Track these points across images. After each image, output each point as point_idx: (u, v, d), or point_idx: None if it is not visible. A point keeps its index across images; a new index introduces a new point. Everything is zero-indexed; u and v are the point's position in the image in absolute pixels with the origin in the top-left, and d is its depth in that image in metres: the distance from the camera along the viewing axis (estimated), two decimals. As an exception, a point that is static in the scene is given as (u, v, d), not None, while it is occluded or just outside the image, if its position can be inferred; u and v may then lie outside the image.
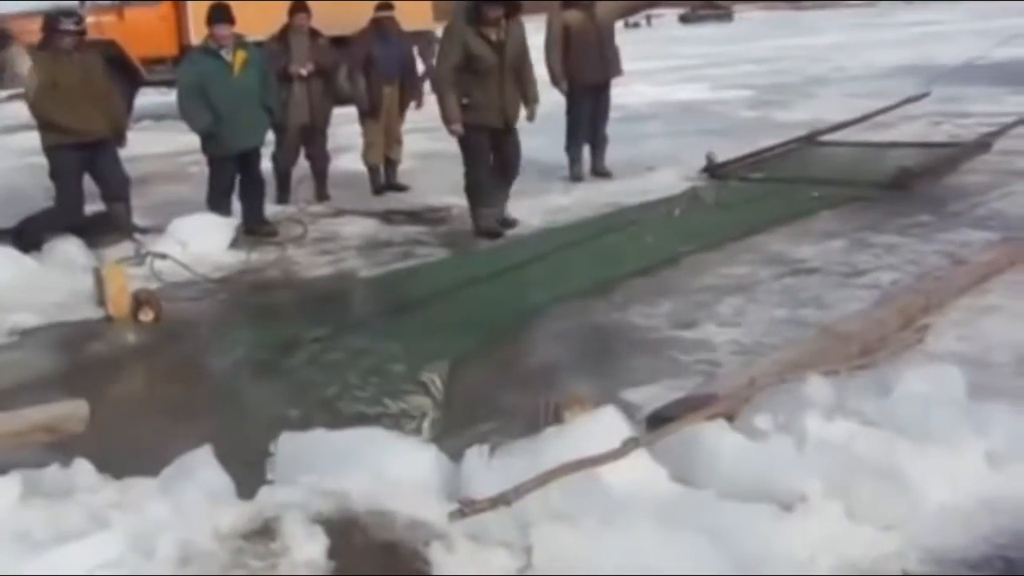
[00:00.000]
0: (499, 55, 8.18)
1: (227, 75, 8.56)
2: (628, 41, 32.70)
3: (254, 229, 8.82)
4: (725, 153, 10.48)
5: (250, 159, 8.91)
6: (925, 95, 13.14)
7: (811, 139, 11.56)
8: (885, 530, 3.39)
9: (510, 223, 8.72)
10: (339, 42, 11.16)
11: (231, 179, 8.93)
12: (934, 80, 15.17)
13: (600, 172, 10.74)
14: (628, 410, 4.18)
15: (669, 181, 10.07)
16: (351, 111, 10.77)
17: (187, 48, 17.29)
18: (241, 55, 8.62)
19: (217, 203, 8.87)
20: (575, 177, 10.59)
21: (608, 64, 10.66)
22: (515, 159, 8.63)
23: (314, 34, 9.99)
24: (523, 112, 8.53)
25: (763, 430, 3.80)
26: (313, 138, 10.08)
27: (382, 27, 10.26)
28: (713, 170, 10.19)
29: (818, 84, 17.81)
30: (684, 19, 45.66)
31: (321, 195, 10.21)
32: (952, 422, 3.78)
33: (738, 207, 8.93)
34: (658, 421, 4.06)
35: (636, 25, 45.17)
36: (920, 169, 9.42)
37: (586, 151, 10.82)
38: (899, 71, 18.08)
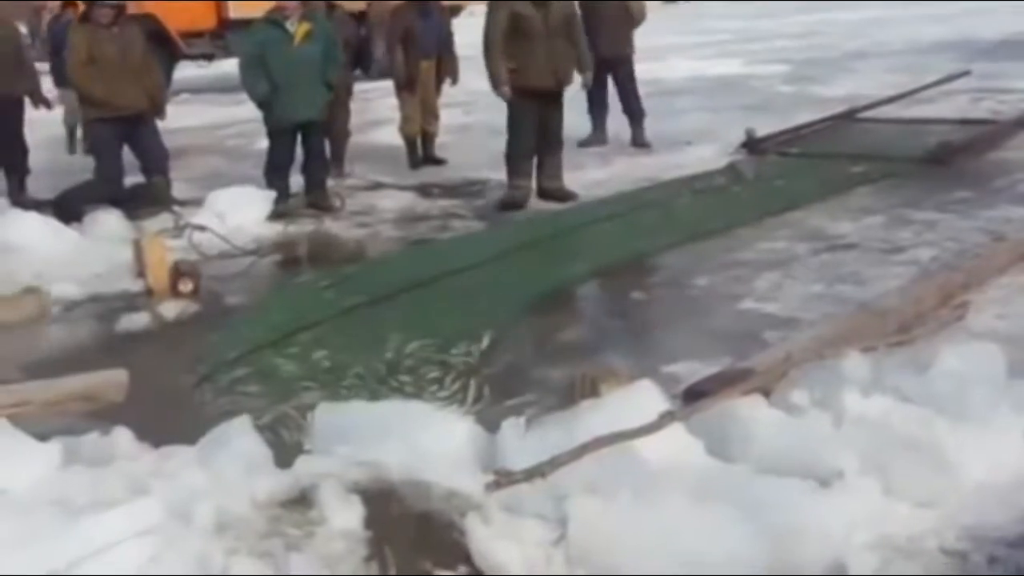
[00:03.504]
0: (544, 15, 8.28)
1: (287, 45, 8.53)
2: (664, 16, 32.54)
3: (318, 203, 8.83)
4: (762, 128, 10.40)
5: (309, 132, 8.87)
6: (965, 74, 12.98)
7: (850, 115, 11.46)
8: (922, 507, 3.37)
9: (570, 195, 8.73)
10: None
11: (288, 152, 8.88)
12: (975, 56, 15.00)
13: (639, 143, 10.83)
14: (664, 384, 4.16)
15: (706, 156, 10.02)
16: (387, 85, 10.77)
17: (225, 22, 17.41)
18: (305, 27, 8.58)
19: (272, 176, 8.86)
20: (586, 142, 10.85)
21: (617, 41, 10.74)
22: (558, 129, 8.67)
23: (331, 8, 9.95)
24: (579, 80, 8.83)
25: (800, 406, 3.79)
26: (336, 112, 9.97)
27: (423, 2, 10.23)
28: (752, 145, 10.13)
29: (856, 59, 17.61)
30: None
31: (337, 172, 9.99)
32: (990, 400, 3.75)
33: (777, 182, 8.89)
34: (694, 395, 4.05)
35: (674, -1, 44.76)
36: (961, 144, 9.32)
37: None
38: (938, 46, 17.84)
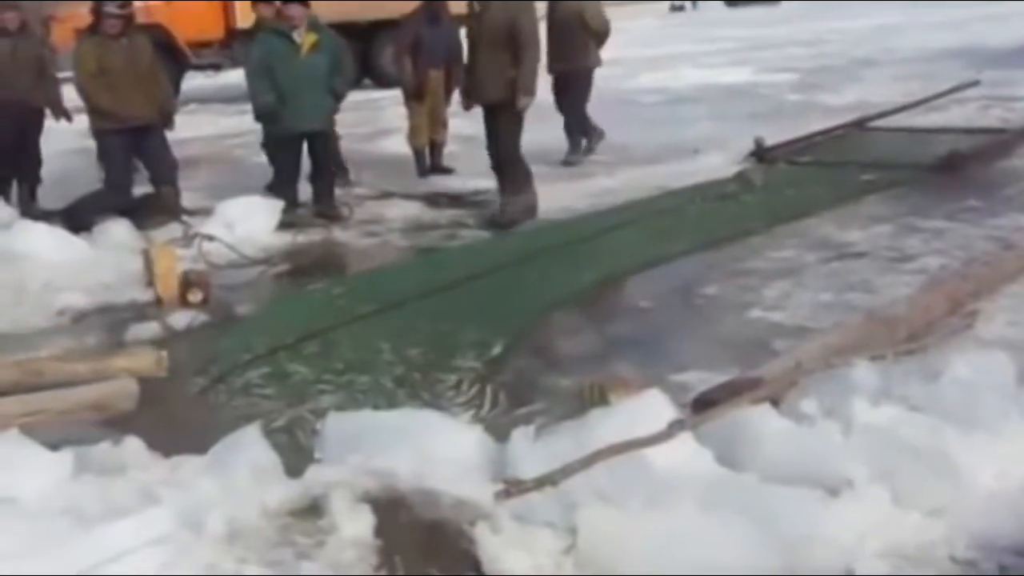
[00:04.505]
0: (477, 26, 8.26)
1: (293, 55, 8.56)
2: (672, 24, 32.41)
3: (326, 213, 8.85)
4: (772, 136, 10.39)
5: (315, 143, 8.87)
6: (975, 83, 12.95)
7: (860, 124, 11.46)
8: (932, 515, 3.37)
9: (499, 222, 8.41)
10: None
11: (294, 163, 8.91)
12: (984, 64, 14.98)
13: (567, 162, 10.63)
14: (673, 393, 4.17)
15: (715, 164, 10.00)
16: (396, 93, 10.78)
17: (233, 32, 17.46)
18: (312, 37, 8.61)
19: (279, 186, 8.89)
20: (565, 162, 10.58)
21: (569, 54, 10.58)
22: (500, 145, 8.48)
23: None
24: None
25: (809, 414, 3.79)
26: None
27: (432, 10, 10.23)
28: (761, 154, 10.12)
29: (865, 67, 17.60)
30: (730, 1, 45.00)
31: (344, 181, 9.92)
32: (1000, 408, 3.75)
33: (786, 190, 8.88)
34: (703, 404, 4.05)
35: (681, 8, 44.79)
36: (970, 152, 9.31)
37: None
38: (948, 54, 17.82)
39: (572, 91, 10.74)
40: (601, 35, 10.78)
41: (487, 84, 8.29)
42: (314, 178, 9.01)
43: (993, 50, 17.41)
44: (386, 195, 9.61)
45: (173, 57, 16.39)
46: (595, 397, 3.94)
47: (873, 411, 3.71)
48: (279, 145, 8.93)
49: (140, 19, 9.92)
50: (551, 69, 10.49)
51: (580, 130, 10.83)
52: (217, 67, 18.59)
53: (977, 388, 3.84)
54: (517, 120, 8.32)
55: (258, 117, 9.15)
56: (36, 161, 9.40)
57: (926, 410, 3.73)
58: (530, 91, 8.21)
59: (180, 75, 17.42)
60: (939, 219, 7.52)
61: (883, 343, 4.55)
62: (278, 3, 9.48)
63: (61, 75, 9.65)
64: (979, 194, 8.19)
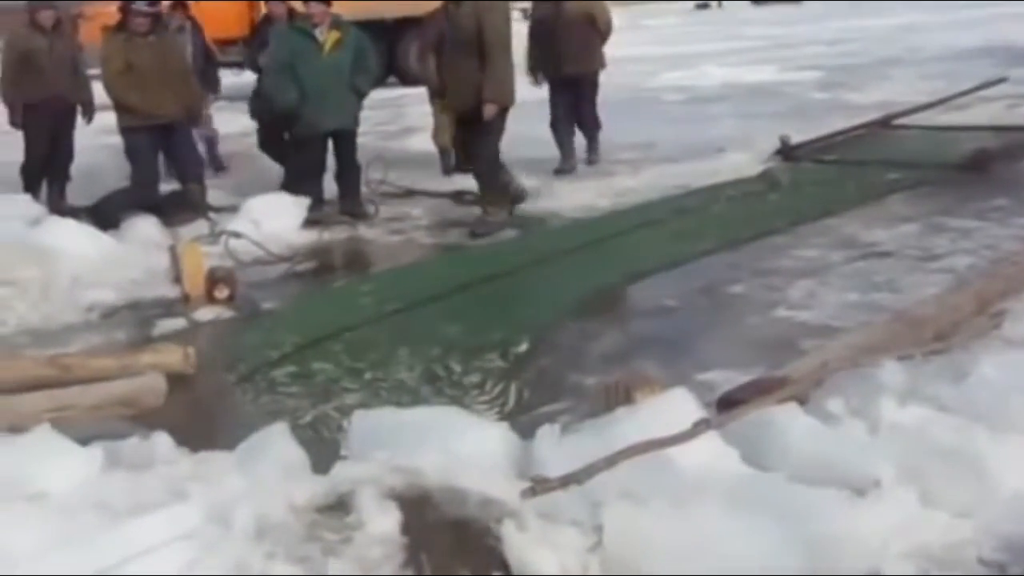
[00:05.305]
0: (453, 30, 8.01)
1: (316, 54, 8.58)
2: (697, 22, 32.41)
3: (352, 211, 8.87)
4: (796, 135, 10.35)
5: (341, 141, 8.90)
6: (1002, 80, 12.85)
7: (885, 122, 11.40)
8: (960, 517, 3.34)
9: (477, 231, 8.21)
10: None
11: (316, 161, 8.92)
12: (1010, 62, 14.88)
13: (591, 161, 10.60)
14: (699, 392, 4.16)
15: (739, 163, 9.97)
16: (421, 91, 10.79)
17: (258, 29, 17.51)
18: (335, 35, 8.62)
19: (297, 184, 8.87)
20: (558, 169, 10.24)
21: (582, 58, 10.42)
22: (476, 151, 8.37)
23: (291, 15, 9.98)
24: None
25: (835, 414, 3.78)
26: None
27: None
28: (787, 152, 10.09)
29: (890, 65, 17.51)
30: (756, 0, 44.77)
31: None
32: (1029, 409, 3.73)
33: (811, 189, 8.85)
34: (729, 403, 4.04)
35: (706, 6, 44.68)
36: (997, 151, 9.25)
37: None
38: (974, 52, 17.71)
39: (587, 95, 10.64)
40: (606, 35, 10.71)
41: (457, 91, 8.15)
42: (340, 176, 9.03)
43: (1019, 49, 17.27)
44: (411, 193, 9.63)
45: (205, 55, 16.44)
46: (620, 395, 3.93)
47: (900, 411, 3.69)
48: (303, 144, 8.95)
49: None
50: (557, 73, 10.37)
51: (597, 127, 10.79)
52: (242, 65, 18.64)
53: (1005, 388, 3.81)
54: (491, 129, 8.12)
55: (255, 115, 9.17)
56: (68, 158, 9.47)
57: (954, 410, 3.72)
58: (496, 98, 7.94)
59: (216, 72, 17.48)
60: (966, 218, 7.48)
61: (910, 343, 4.53)
62: (291, 1, 9.54)
63: (89, 72, 9.70)
64: (1007, 193, 8.13)
